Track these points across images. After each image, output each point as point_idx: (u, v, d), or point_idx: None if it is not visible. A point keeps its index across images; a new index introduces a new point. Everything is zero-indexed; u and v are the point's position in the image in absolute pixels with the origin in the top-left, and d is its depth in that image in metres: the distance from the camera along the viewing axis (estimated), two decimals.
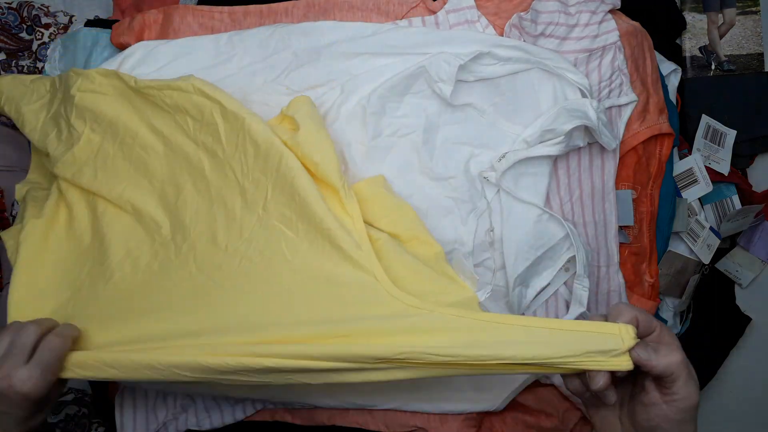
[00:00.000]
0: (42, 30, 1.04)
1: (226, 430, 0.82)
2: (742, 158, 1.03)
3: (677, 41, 1.02)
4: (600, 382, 0.57)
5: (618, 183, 0.81)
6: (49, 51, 0.89)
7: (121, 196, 0.77)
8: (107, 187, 0.78)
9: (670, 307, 0.90)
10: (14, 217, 1.04)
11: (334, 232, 0.68)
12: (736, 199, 0.98)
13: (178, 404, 0.83)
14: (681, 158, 0.94)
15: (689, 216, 0.92)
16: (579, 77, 0.76)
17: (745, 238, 1.04)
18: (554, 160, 0.77)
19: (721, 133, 0.98)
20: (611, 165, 0.78)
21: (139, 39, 0.86)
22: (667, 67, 0.91)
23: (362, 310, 0.66)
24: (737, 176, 1.00)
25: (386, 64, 0.79)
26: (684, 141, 0.98)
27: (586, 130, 0.76)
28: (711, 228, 0.93)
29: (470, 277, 0.75)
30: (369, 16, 0.83)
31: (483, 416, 0.79)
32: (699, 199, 0.94)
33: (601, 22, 0.79)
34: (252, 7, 0.86)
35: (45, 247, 0.79)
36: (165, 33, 0.86)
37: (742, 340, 1.05)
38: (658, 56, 0.89)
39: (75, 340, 0.69)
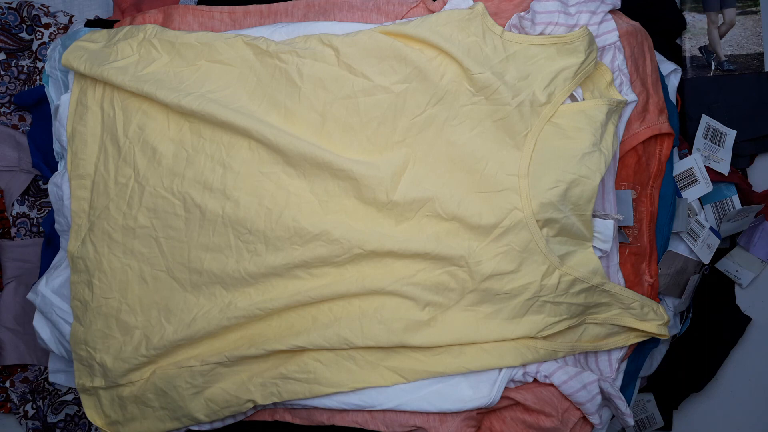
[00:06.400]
0: (42, 30, 1.04)
1: (226, 430, 0.82)
2: (742, 158, 1.03)
3: (677, 41, 1.02)
4: None
5: (618, 183, 0.81)
6: (49, 51, 0.89)
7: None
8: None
9: (670, 307, 0.90)
10: (14, 217, 1.04)
11: None
12: (736, 199, 0.98)
13: None
14: (681, 158, 0.94)
15: (689, 216, 0.92)
16: None
17: (745, 238, 1.04)
18: None
19: (721, 133, 0.98)
20: (611, 165, 0.78)
21: None
22: (667, 67, 0.91)
23: None
24: (737, 176, 1.00)
25: None
26: (684, 141, 0.98)
27: None
28: (711, 228, 0.93)
29: None
30: (369, 16, 0.83)
31: (482, 415, 0.79)
32: (699, 199, 0.94)
33: (600, 23, 0.79)
34: (252, 7, 0.86)
35: None
36: None
37: (742, 340, 1.05)
38: (658, 56, 0.89)
39: None
